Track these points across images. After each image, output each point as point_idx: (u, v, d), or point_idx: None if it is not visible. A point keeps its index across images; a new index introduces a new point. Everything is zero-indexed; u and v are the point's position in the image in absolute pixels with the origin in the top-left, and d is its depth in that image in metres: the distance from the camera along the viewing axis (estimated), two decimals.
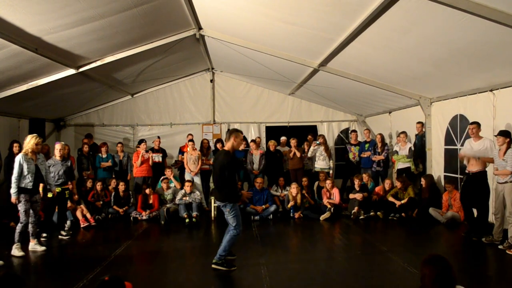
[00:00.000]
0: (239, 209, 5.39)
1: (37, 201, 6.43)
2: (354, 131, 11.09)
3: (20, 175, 6.12)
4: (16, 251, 6.09)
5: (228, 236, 5.30)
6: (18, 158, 6.20)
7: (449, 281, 2.65)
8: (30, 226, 6.31)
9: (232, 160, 5.31)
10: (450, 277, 2.66)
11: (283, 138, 11.12)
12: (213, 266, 5.25)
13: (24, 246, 6.23)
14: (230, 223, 5.29)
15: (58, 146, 7.33)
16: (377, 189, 9.22)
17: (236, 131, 5.48)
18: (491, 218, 6.99)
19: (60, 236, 7.27)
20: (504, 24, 4.54)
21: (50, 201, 7.15)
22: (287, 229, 8.25)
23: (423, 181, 8.55)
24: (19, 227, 6.21)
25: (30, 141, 6.30)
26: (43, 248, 6.38)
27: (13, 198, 6.11)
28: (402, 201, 8.59)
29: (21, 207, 6.18)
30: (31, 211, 6.30)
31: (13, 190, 6.09)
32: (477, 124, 6.68)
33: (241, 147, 8.85)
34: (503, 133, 6.12)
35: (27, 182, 6.17)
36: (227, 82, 12.57)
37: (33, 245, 6.34)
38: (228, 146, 5.38)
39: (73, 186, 8.13)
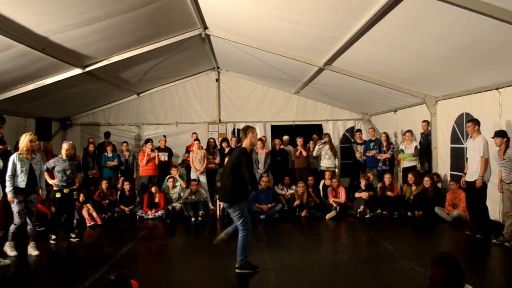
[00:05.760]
0: (245, 208, 5.18)
1: (32, 201, 6.24)
2: (359, 130, 11.06)
3: (14, 174, 6.01)
4: (8, 249, 6.00)
5: (239, 239, 5.13)
6: (12, 157, 6.09)
7: (459, 281, 2.63)
8: (28, 228, 6.17)
9: (249, 158, 5.17)
10: (460, 277, 2.64)
11: (285, 137, 11.11)
12: (237, 271, 5.12)
13: (23, 245, 6.16)
14: (237, 223, 5.14)
15: (65, 146, 7.11)
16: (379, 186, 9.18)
17: (252, 127, 5.29)
18: (498, 217, 6.97)
19: (70, 239, 7.06)
20: (509, 22, 4.53)
21: (58, 201, 7.09)
22: (293, 228, 8.25)
23: (427, 180, 8.49)
24: (12, 228, 6.04)
25: (24, 139, 6.13)
26: (37, 252, 6.11)
27: (9, 197, 5.97)
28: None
29: (14, 208, 6.02)
30: (26, 212, 6.14)
31: (8, 189, 5.97)
32: (473, 122, 6.57)
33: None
34: (499, 134, 6.07)
35: (20, 181, 6.03)
36: (232, 81, 12.61)
37: (29, 248, 6.16)
38: (245, 143, 5.20)
39: (78, 178, 7.69)
